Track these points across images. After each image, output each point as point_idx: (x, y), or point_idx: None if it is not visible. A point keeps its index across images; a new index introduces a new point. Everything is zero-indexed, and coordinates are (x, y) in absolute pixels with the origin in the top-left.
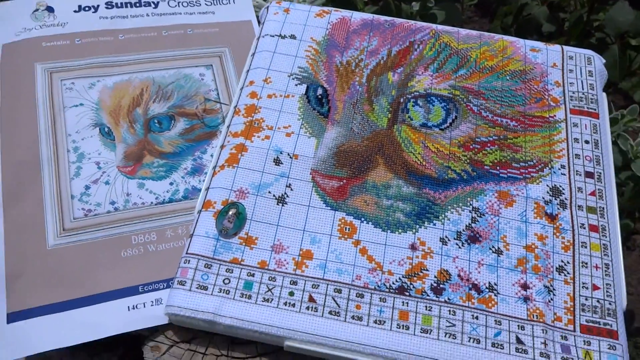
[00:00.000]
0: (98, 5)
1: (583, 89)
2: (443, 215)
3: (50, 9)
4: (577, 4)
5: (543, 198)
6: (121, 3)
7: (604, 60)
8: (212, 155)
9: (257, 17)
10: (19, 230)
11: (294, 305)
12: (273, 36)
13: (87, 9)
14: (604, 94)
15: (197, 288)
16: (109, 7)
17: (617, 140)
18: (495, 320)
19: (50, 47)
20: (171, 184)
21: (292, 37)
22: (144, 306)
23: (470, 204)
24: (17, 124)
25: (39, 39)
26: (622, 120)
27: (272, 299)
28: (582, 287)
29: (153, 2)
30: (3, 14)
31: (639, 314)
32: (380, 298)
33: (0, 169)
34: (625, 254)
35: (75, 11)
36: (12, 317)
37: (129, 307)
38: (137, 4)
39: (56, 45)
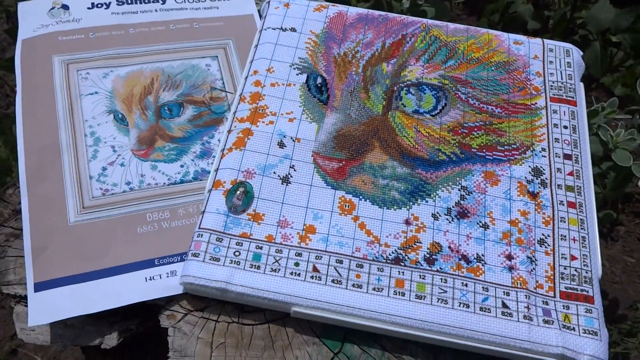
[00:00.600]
0: (110, 2)
1: (562, 79)
2: (434, 194)
3: (65, 7)
4: (560, 3)
5: (525, 178)
6: (131, 0)
7: (581, 53)
8: (219, 140)
9: (259, 11)
10: (42, 208)
11: (299, 274)
12: (275, 29)
13: (99, 5)
14: (582, 84)
15: (210, 259)
16: (120, 3)
17: (598, 131)
18: (483, 287)
19: (67, 41)
20: (182, 166)
21: (293, 30)
22: (160, 277)
23: (459, 183)
24: (37, 112)
25: (56, 33)
26: (603, 113)
27: (279, 269)
28: (561, 257)
29: None
30: (22, 13)
31: (623, 302)
32: (378, 268)
33: (23, 153)
34: (609, 244)
35: (88, 8)
36: (39, 287)
37: (146, 278)
38: (146, 1)
39: (72, 39)
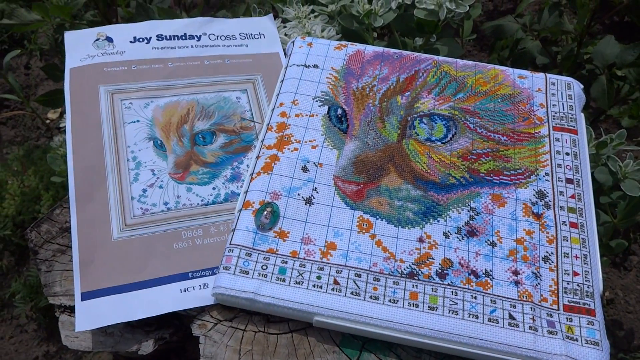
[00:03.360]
0: (150, 37)
1: (564, 110)
2: (445, 214)
3: (109, 39)
4: (568, 39)
5: (530, 200)
6: (170, 36)
7: (582, 86)
8: (248, 165)
9: (284, 50)
10: (89, 225)
11: (321, 287)
12: (299, 66)
13: (141, 40)
14: (582, 114)
15: (239, 272)
16: (160, 39)
17: (607, 162)
18: (491, 300)
19: (111, 72)
20: (214, 188)
21: (315, 66)
22: (194, 289)
23: (469, 205)
24: (86, 137)
25: (101, 64)
26: (611, 144)
27: (303, 282)
28: (565, 273)
29: (196, 36)
30: (68, 42)
31: (638, 331)
32: (393, 281)
33: (73, 175)
34: (623, 274)
35: (131, 42)
36: (85, 296)
37: (181, 289)
38: (183, 37)
39: (116, 70)
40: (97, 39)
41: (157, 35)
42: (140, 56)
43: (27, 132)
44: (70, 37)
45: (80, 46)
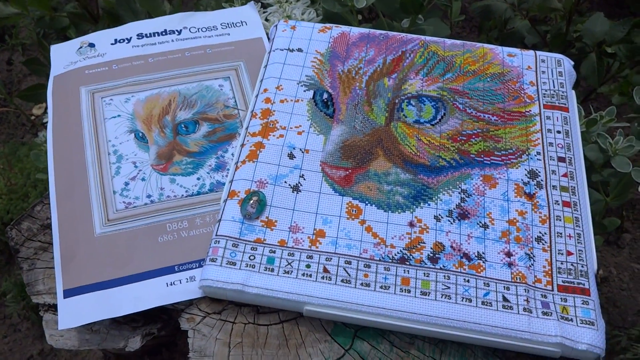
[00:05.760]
0: (131, 37)
1: (554, 87)
2: (436, 197)
3: (91, 45)
4: (557, 17)
5: (522, 180)
6: (150, 34)
7: (572, 63)
8: (232, 154)
9: (267, 34)
10: (70, 221)
11: (310, 275)
12: (282, 50)
13: (121, 41)
14: (573, 91)
15: (227, 264)
16: (140, 37)
17: (598, 139)
18: (484, 283)
19: (92, 74)
20: (198, 179)
21: (299, 50)
22: (180, 282)
23: (459, 187)
24: (67, 136)
25: (83, 68)
26: (601, 121)
27: (292, 271)
28: (558, 253)
29: (177, 30)
30: (54, 54)
31: (632, 308)
32: (384, 267)
33: (53, 172)
34: (616, 252)
35: (112, 44)
36: (68, 293)
37: (167, 283)
38: (164, 33)
39: (97, 71)
40: (80, 47)
41: (137, 35)
42: (120, 55)
43: (11, 129)
44: (56, 50)
45: (65, 55)
